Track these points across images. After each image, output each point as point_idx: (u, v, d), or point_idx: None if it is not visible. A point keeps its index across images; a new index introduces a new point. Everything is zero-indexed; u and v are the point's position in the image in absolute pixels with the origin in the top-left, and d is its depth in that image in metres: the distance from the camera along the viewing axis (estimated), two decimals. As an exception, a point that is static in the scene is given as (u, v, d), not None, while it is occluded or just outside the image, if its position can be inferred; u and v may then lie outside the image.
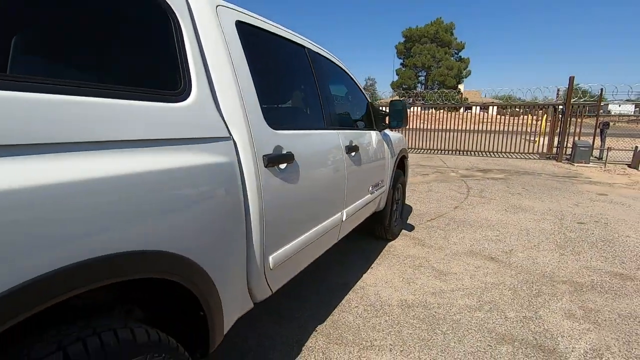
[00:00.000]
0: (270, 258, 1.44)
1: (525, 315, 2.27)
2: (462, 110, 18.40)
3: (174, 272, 0.97)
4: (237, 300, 1.31)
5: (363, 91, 2.84)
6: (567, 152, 9.35)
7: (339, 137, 2.08)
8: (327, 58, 2.30)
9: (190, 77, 1.14)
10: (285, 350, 1.89)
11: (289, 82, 2.01)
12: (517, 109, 14.06)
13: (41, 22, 0.90)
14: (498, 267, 3.00)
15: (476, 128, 12.47)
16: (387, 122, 2.92)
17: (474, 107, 14.81)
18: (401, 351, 1.89)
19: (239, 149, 1.27)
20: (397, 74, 44.96)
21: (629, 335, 2.07)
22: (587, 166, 8.58)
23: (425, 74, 43.50)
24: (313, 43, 2.13)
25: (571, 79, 8.92)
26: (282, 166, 1.46)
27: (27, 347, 0.74)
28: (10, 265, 0.63)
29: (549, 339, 2.02)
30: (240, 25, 1.44)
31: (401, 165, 3.69)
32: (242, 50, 1.40)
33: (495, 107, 15.45)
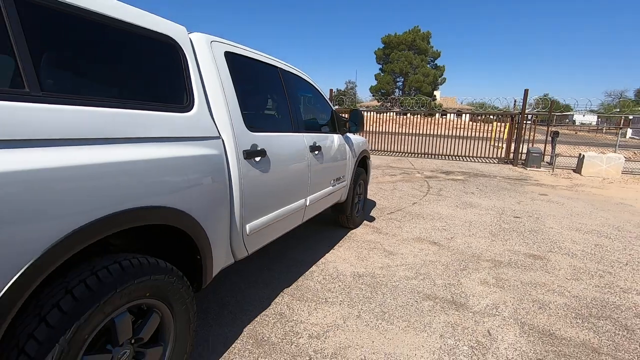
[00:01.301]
0: (247, 226, 1.96)
1: (450, 282, 2.88)
2: (438, 115, 19.47)
3: (181, 224, 1.47)
4: (222, 253, 1.82)
5: (328, 101, 3.39)
6: (522, 158, 10.28)
7: (304, 138, 2.62)
8: (296, 75, 2.83)
9: (193, 94, 1.65)
10: (257, 303, 2.40)
11: (264, 95, 2.53)
12: (491, 117, 15.05)
13: (115, 68, 1.40)
14: (438, 249, 3.62)
15: (446, 133, 13.37)
16: (348, 127, 3.48)
17: (449, 114, 15.76)
18: (348, 305, 2.45)
19: (225, 145, 1.78)
20: (376, 79, 46.12)
21: (522, 295, 2.71)
22: (538, 170, 9.52)
23: (402, 80, 44.86)
24: (285, 63, 2.66)
25: (526, 92, 9.87)
26: (257, 159, 1.99)
27: (98, 259, 1.23)
28: (107, 201, 1.14)
29: (462, 298, 2.63)
30: (228, 55, 1.95)
31: (363, 165, 4.27)
32: (229, 73, 1.91)
33: (467, 115, 16.49)
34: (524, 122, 10.10)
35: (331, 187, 3.18)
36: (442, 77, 44.90)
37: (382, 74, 45.51)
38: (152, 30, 1.51)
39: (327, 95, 3.43)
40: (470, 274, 3.06)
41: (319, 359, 1.89)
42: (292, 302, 2.46)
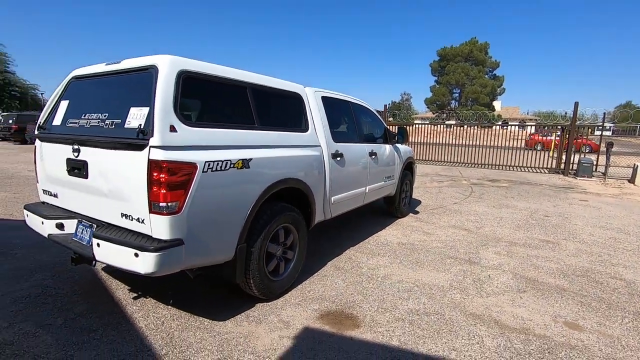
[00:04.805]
0: (332, 198, 3.32)
1: (470, 251, 3.96)
2: (497, 127, 19.45)
3: (304, 189, 2.87)
4: (319, 211, 3.19)
5: (382, 120, 4.69)
6: (574, 168, 10.52)
7: (365, 147, 3.95)
8: (360, 105, 4.19)
9: (308, 123, 3.07)
10: (335, 253, 3.74)
11: (342, 119, 3.91)
12: (558, 127, 14.98)
13: (280, 112, 2.86)
14: (467, 233, 4.68)
15: (503, 144, 13.78)
16: (396, 139, 4.74)
17: (510, 125, 15.93)
18: (393, 257, 3.68)
19: (322, 150, 3.17)
20: (431, 91, 46.17)
21: (524, 261, 3.71)
22: (588, 180, 9.76)
23: (459, 91, 44.35)
24: (353, 98, 4.04)
25: (576, 105, 10.20)
26: (338, 159, 3.35)
27: (274, 203, 2.67)
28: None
29: (476, 259, 3.72)
30: (324, 98, 3.37)
31: (409, 169, 5.46)
32: (324, 109, 3.32)
33: (532, 127, 16.51)
34: (574, 133, 10.38)
35: (383, 182, 4.45)
36: (502, 87, 43.58)
37: (437, 86, 45.44)
38: (290, 91, 2.97)
39: (381, 116, 4.73)
40: (488, 248, 4.11)
41: (374, 277, 3.16)
42: (356, 253, 3.76)
